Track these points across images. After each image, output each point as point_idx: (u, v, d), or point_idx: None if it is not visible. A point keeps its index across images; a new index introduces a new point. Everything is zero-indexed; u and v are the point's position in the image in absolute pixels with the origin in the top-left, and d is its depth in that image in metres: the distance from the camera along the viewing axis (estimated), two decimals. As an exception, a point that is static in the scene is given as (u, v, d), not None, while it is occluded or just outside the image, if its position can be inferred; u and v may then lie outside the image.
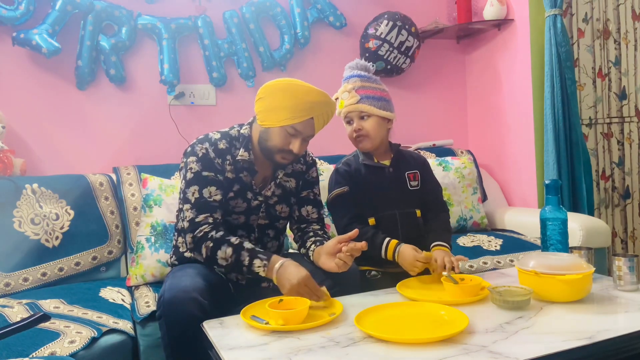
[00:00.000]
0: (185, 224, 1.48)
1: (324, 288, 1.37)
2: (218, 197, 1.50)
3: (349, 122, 1.72)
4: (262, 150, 1.55)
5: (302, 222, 1.69)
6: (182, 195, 1.52)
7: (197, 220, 1.47)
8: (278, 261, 1.39)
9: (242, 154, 1.55)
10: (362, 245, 1.41)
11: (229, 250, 1.42)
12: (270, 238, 1.66)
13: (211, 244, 1.44)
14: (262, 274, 1.40)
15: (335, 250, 1.44)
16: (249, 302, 1.35)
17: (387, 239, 1.61)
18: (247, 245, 1.44)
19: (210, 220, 1.48)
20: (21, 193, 1.93)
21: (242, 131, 1.59)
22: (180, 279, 1.40)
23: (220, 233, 1.46)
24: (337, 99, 1.74)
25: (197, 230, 1.46)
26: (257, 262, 1.40)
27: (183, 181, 1.52)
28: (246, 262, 1.41)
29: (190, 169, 1.51)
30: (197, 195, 1.49)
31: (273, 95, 1.48)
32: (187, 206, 1.49)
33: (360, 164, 1.74)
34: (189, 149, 1.54)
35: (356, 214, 1.69)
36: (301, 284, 1.33)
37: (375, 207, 1.70)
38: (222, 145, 1.54)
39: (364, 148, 1.73)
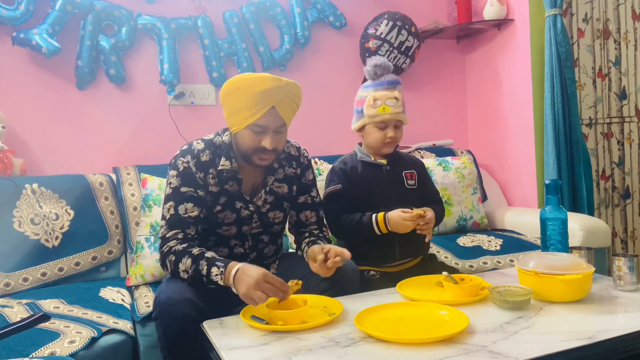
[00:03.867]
0: (159, 241, 1.47)
1: (292, 281, 1.32)
2: (194, 213, 1.46)
3: (383, 128, 1.70)
4: (241, 156, 1.50)
5: (301, 226, 1.67)
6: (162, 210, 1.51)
7: (166, 236, 1.44)
8: (235, 267, 1.31)
9: (223, 163, 1.49)
10: (347, 255, 1.38)
11: (189, 262, 1.36)
12: (265, 243, 1.62)
13: (173, 258, 1.39)
14: (221, 282, 1.32)
15: (316, 256, 1.42)
16: (246, 304, 1.34)
17: (374, 214, 1.63)
18: (208, 254, 1.38)
19: (180, 236, 1.43)
20: (21, 193, 1.93)
21: (224, 138, 1.53)
22: (177, 280, 1.40)
23: (184, 245, 1.40)
24: (375, 100, 1.68)
25: (164, 246, 1.42)
26: (214, 270, 1.33)
27: (164, 196, 1.50)
28: (204, 272, 1.33)
29: (170, 183, 1.48)
30: (172, 211, 1.45)
31: (227, 99, 1.44)
32: (162, 222, 1.47)
33: (358, 162, 1.77)
34: (172, 160, 1.50)
35: (347, 210, 1.70)
36: (260, 282, 1.25)
37: (371, 204, 1.71)
38: (204, 157, 1.49)
39: (388, 152, 1.76)
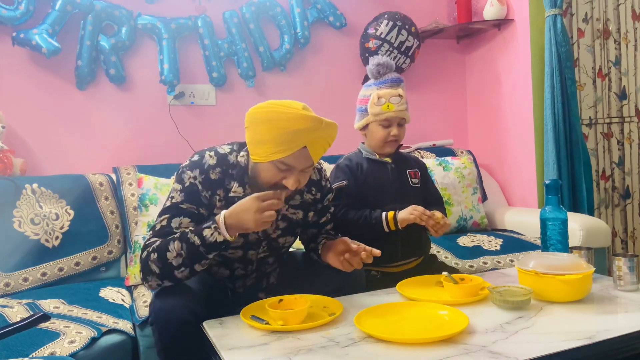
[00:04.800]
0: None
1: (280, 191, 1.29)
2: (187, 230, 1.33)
3: (387, 126, 1.70)
4: (256, 185, 1.35)
5: (318, 236, 1.60)
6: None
7: (146, 243, 1.33)
8: (222, 216, 1.26)
9: (235, 189, 1.38)
10: (377, 252, 1.36)
11: (177, 244, 1.26)
12: (270, 264, 1.56)
13: (156, 255, 1.27)
14: (219, 237, 1.25)
15: (343, 251, 1.39)
16: (246, 305, 1.33)
17: (385, 212, 1.63)
18: (191, 228, 1.30)
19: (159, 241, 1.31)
20: (21, 193, 1.93)
21: (239, 158, 1.40)
22: (172, 285, 1.34)
23: (160, 241, 1.30)
24: (380, 98, 1.68)
25: (143, 252, 1.31)
26: (206, 232, 1.26)
27: (162, 207, 1.39)
28: (198, 242, 1.25)
29: (172, 197, 1.36)
30: (164, 223, 1.33)
31: (255, 126, 1.30)
32: (150, 232, 1.36)
33: (363, 159, 1.77)
34: (180, 171, 1.38)
35: (353, 207, 1.70)
36: (259, 206, 1.23)
37: (376, 201, 1.70)
38: (214, 175, 1.36)
39: (390, 151, 1.76)
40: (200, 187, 1.36)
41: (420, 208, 1.58)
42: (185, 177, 1.36)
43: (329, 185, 1.58)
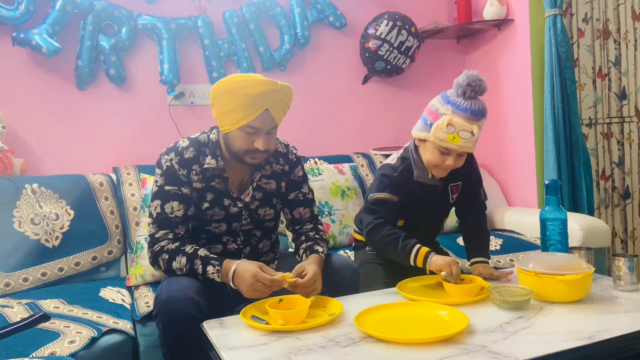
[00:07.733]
0: (147, 239, 1.50)
1: (286, 274, 1.34)
2: (180, 213, 1.48)
3: (445, 153, 1.53)
4: (231, 155, 1.50)
5: (296, 224, 1.67)
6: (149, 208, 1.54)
7: (156, 236, 1.48)
8: (231, 266, 1.37)
9: (209, 161, 1.50)
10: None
11: (183, 260, 1.42)
12: (259, 238, 1.62)
13: (166, 256, 1.44)
14: (218, 279, 1.39)
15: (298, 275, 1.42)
16: (247, 303, 1.35)
17: (418, 245, 1.53)
18: (201, 252, 1.43)
19: (170, 236, 1.47)
20: (21, 193, 1.93)
21: (211, 136, 1.54)
22: (178, 278, 1.41)
23: (176, 244, 1.45)
24: (449, 125, 1.48)
25: (156, 245, 1.47)
26: (209, 269, 1.39)
27: (151, 194, 1.53)
28: (200, 270, 1.40)
29: (156, 182, 1.51)
30: (158, 210, 1.48)
31: (220, 99, 1.44)
32: (149, 220, 1.51)
33: (414, 180, 1.63)
34: (158, 159, 1.52)
35: (393, 220, 1.63)
36: (253, 284, 1.32)
37: (413, 216, 1.66)
38: (188, 154, 1.50)
39: (438, 176, 1.62)
40: (177, 166, 1.50)
41: (457, 270, 1.43)
42: (163, 162, 1.51)
43: (295, 159, 1.65)
